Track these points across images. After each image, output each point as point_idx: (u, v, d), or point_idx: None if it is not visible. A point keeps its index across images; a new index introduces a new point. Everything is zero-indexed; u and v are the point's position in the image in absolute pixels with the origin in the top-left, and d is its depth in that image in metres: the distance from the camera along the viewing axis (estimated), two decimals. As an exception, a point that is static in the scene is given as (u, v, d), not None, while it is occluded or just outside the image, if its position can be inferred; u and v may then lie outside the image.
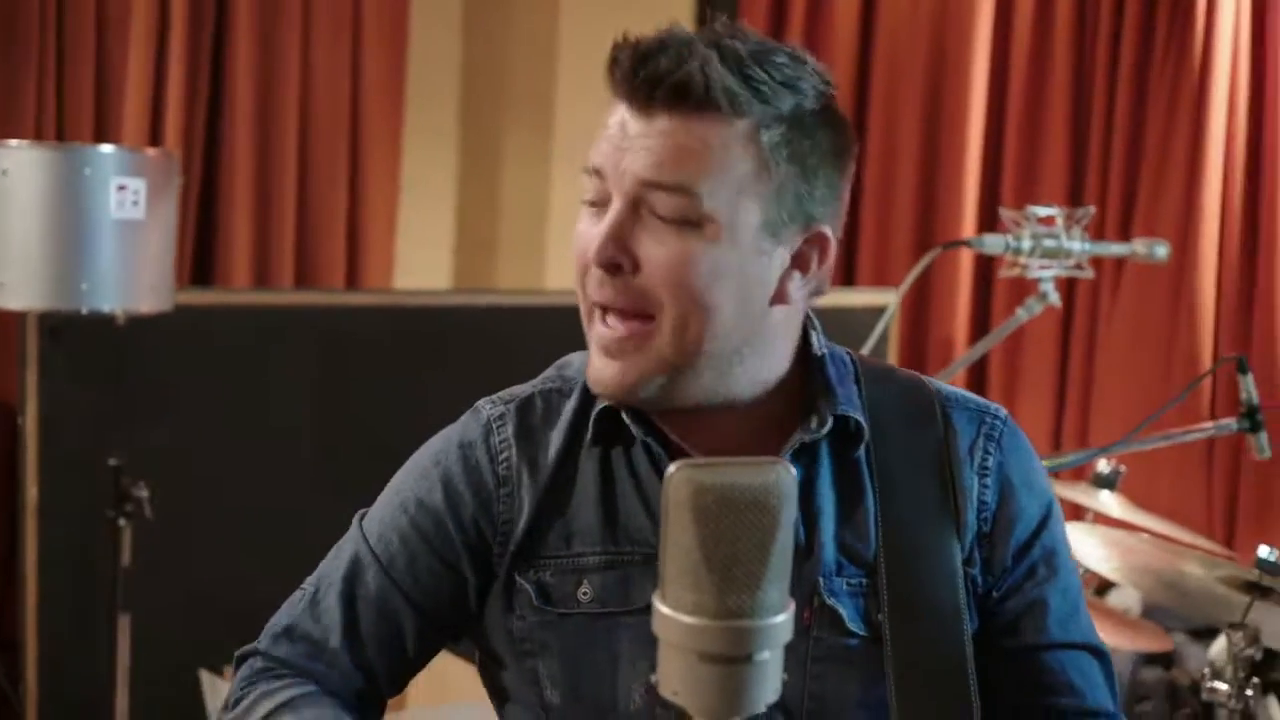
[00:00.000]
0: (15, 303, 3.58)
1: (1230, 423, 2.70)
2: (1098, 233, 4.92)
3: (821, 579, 1.65)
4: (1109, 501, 3.40)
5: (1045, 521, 1.73)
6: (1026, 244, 3.06)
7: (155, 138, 4.75)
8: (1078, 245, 3.08)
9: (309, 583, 1.78)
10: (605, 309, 1.61)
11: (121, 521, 3.72)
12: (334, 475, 4.17)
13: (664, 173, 1.56)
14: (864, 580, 1.67)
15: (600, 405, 1.69)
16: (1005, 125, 5.26)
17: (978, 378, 5.30)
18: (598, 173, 1.60)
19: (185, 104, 4.81)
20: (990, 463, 1.71)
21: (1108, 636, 3.22)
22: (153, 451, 3.89)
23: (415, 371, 4.46)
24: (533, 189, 5.61)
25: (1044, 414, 5.15)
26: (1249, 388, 2.70)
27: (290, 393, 4.35)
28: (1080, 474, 3.84)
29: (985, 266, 5.24)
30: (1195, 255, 4.77)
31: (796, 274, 1.64)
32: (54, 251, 3.53)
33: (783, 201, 1.61)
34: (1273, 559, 2.84)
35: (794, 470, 1.22)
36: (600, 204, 1.61)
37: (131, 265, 3.63)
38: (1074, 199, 5.05)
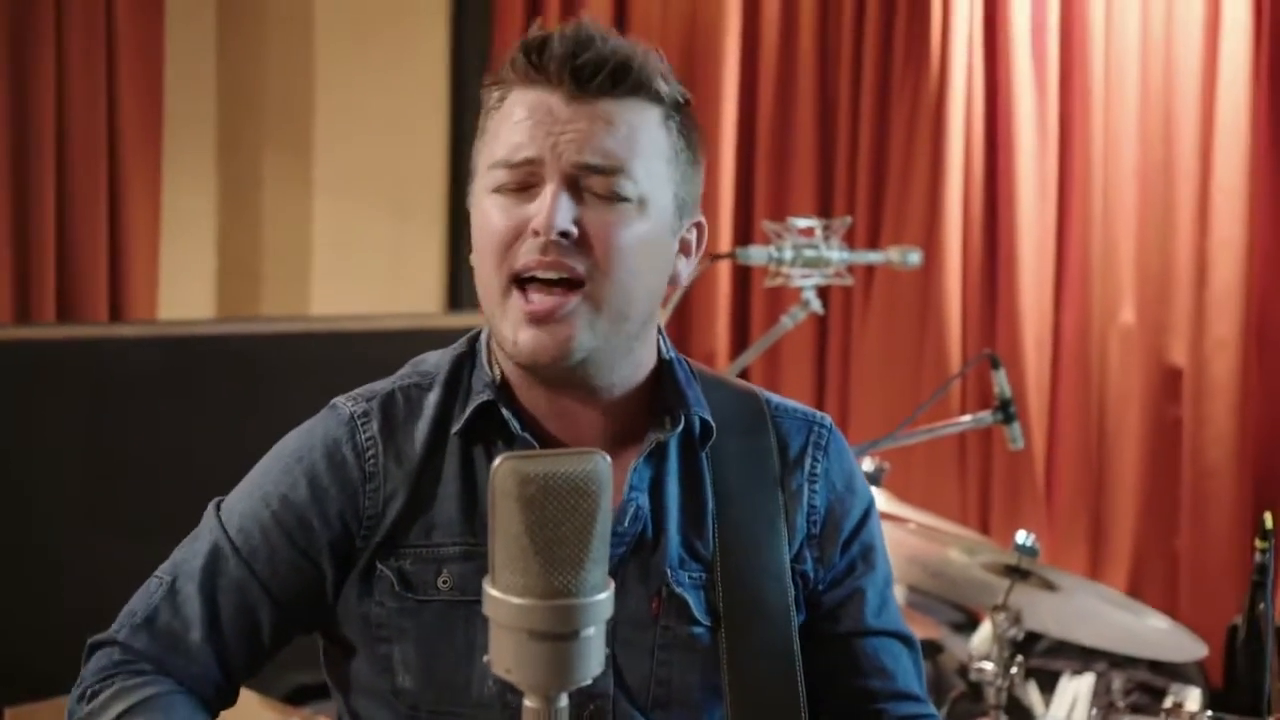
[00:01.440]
0: None
1: (986, 415, 2.85)
2: (850, 242, 5.10)
3: (668, 570, 1.75)
4: (876, 496, 3.54)
5: (865, 520, 1.87)
6: (789, 254, 3.19)
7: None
8: (836, 254, 3.22)
9: (164, 571, 1.80)
10: (526, 283, 1.67)
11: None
12: (103, 510, 4.12)
13: (601, 154, 1.66)
14: (704, 574, 1.77)
15: (477, 399, 1.75)
16: (756, 142, 5.42)
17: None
18: (527, 162, 1.66)
19: (-66, 138, 4.73)
20: (818, 469, 1.85)
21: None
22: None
23: (184, 402, 4.42)
24: (294, 215, 5.60)
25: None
26: (1001, 382, 2.86)
27: (55, 427, 4.29)
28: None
29: (742, 279, 5.40)
30: (940, 261, 4.99)
31: (683, 258, 1.78)
32: None
33: (682, 186, 1.75)
34: (1029, 544, 3.01)
35: (608, 458, 1.31)
36: (522, 189, 1.68)
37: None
38: (824, 211, 5.22)
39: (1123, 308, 4.88)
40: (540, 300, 1.67)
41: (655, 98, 1.71)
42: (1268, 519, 2.35)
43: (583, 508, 1.29)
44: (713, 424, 1.79)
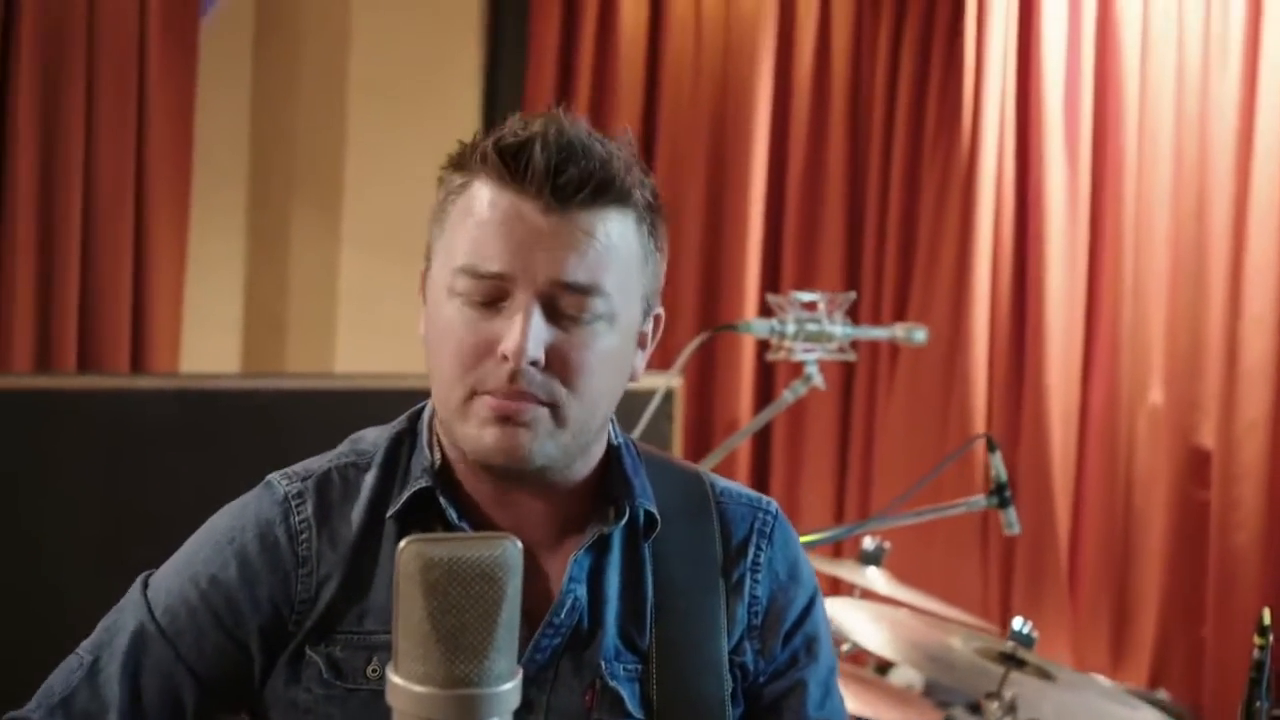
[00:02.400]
0: None
1: (980, 499, 2.80)
2: (873, 316, 5.08)
3: (603, 663, 1.70)
4: (875, 577, 3.50)
5: (809, 610, 1.81)
6: (791, 328, 3.16)
7: (-69, 220, 4.69)
8: (839, 329, 3.18)
9: (86, 649, 1.74)
10: (489, 392, 1.61)
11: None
12: (117, 561, 4.09)
13: (577, 274, 1.60)
14: (639, 667, 1.72)
15: (415, 485, 1.70)
16: (784, 214, 5.40)
17: (761, 458, 5.41)
18: (497, 276, 1.59)
19: (-37, 185, 4.76)
20: (762, 559, 1.79)
21: (877, 712, 3.33)
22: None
23: (203, 456, 4.41)
24: (322, 270, 5.61)
25: (826, 492, 5.27)
26: (997, 465, 2.81)
27: (71, 478, 4.29)
28: (842, 550, 3.95)
29: (766, 349, 5.36)
30: (967, 335, 4.94)
31: (640, 351, 1.73)
32: None
33: (649, 286, 1.70)
34: (1025, 631, 2.95)
35: (519, 544, 1.28)
36: (488, 303, 1.61)
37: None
38: (851, 284, 5.20)
39: (1151, 387, 4.82)
40: (505, 402, 1.61)
41: (633, 204, 1.66)
42: (1265, 615, 2.28)
43: (488, 595, 1.26)
44: (657, 516, 1.74)
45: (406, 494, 1.70)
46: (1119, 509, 4.87)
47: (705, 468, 3.33)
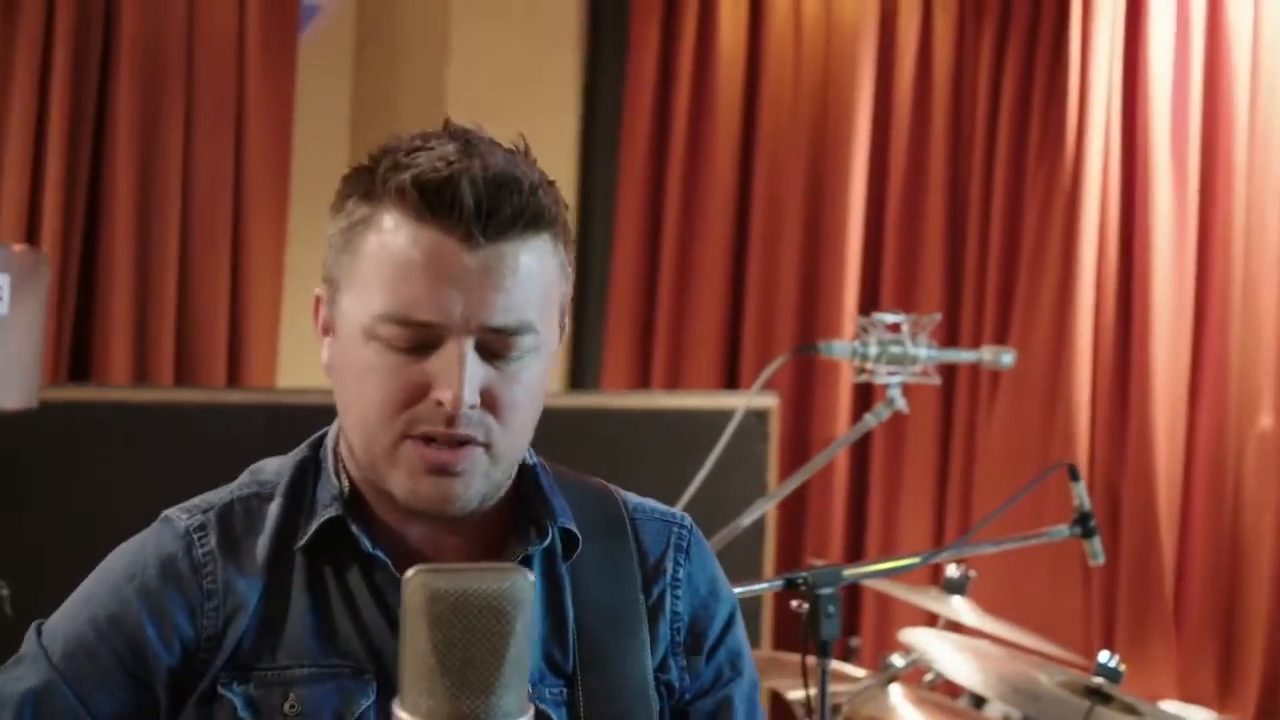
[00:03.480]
0: (-125, 396, 3.57)
1: (1062, 529, 2.72)
2: (974, 338, 4.99)
3: (530, 687, 1.62)
4: (960, 607, 3.42)
5: (730, 625, 1.78)
6: (873, 350, 3.10)
7: (32, 233, 4.73)
8: (923, 352, 3.12)
9: None
10: (422, 437, 1.57)
11: (-18, 619, 3.67)
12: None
13: (511, 314, 1.55)
14: (564, 690, 1.67)
15: (324, 514, 1.64)
16: (884, 231, 5.33)
17: (858, 481, 5.33)
18: (426, 324, 1.54)
19: (64, 199, 4.79)
20: (681, 574, 1.75)
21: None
22: (16, 549, 3.85)
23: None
24: (419, 287, 5.61)
25: (925, 517, 5.18)
26: (1080, 494, 2.73)
27: (163, 491, 4.29)
28: (925, 579, 3.87)
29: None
30: (1069, 360, 4.84)
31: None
32: (-85, 346, 3.52)
33: (564, 302, 1.65)
34: (1112, 665, 2.87)
35: (532, 577, 1.24)
36: (418, 348, 1.56)
37: (-6, 361, 3.61)
38: (951, 304, 5.12)
39: (1261, 410, 4.69)
40: (439, 454, 1.57)
41: (554, 226, 1.60)
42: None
43: (496, 629, 1.22)
44: (577, 534, 1.69)
45: (315, 523, 1.64)
46: (1226, 537, 4.74)
47: (787, 490, 3.32)
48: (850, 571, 2.41)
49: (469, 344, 1.54)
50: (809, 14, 5.46)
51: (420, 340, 1.55)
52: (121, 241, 4.90)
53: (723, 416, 3.45)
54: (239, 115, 5.16)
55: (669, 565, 1.75)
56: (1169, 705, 4.48)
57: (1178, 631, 4.78)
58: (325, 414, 5.16)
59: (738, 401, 3.52)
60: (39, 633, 1.67)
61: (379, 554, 1.62)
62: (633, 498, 1.80)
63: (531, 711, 1.24)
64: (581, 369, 5.78)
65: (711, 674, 1.75)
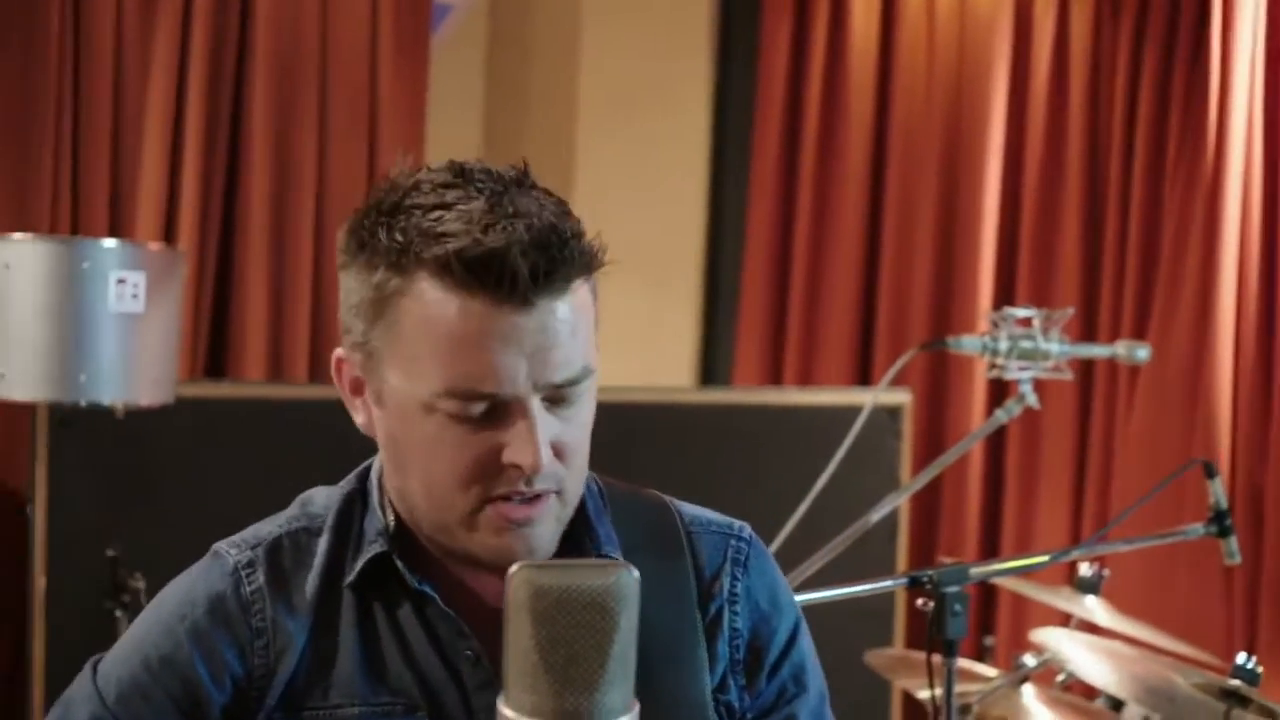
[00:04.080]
0: (16, 394, 3.65)
1: (1197, 527, 2.66)
2: (1112, 333, 4.91)
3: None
4: (1093, 606, 3.36)
5: (794, 639, 1.73)
6: (1004, 345, 3.05)
7: (170, 232, 4.81)
8: (1055, 347, 3.07)
9: None
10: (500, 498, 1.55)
11: (118, 612, 3.75)
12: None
13: (571, 367, 1.53)
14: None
15: (370, 550, 1.63)
16: (1019, 226, 5.25)
17: (994, 479, 5.27)
18: (491, 396, 1.51)
19: (200, 198, 4.87)
20: (739, 589, 1.70)
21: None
22: (152, 543, 3.91)
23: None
24: (552, 284, 5.63)
25: (1062, 515, 5.10)
26: (1217, 492, 2.67)
27: (296, 488, 4.34)
28: (1060, 579, 3.80)
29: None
30: (1211, 355, 4.73)
31: None
32: (53, 344, 3.59)
33: (595, 324, 1.61)
34: (1250, 666, 2.80)
35: (637, 574, 1.22)
36: (486, 416, 1.53)
37: (131, 358, 3.67)
38: (1088, 298, 5.03)
39: None
40: (520, 510, 1.55)
41: (592, 264, 1.57)
42: None
43: (600, 625, 1.21)
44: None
45: (362, 560, 1.63)
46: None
47: (916, 486, 3.28)
48: (977, 570, 2.37)
49: (536, 405, 1.52)
50: (942, 7, 5.40)
51: (486, 410, 1.52)
52: (257, 239, 4.97)
53: (854, 413, 3.44)
54: (372, 114, 5.20)
55: (726, 581, 1.70)
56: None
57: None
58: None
59: (860, 398, 3.48)
60: (94, 672, 1.67)
61: (426, 589, 1.61)
62: (689, 510, 1.75)
63: (636, 709, 1.23)
64: (713, 365, 5.77)
65: (775, 691, 1.70)
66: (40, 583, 4.03)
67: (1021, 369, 3.07)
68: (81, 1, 4.67)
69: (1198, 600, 4.72)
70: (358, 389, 1.62)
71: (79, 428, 3.90)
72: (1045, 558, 2.56)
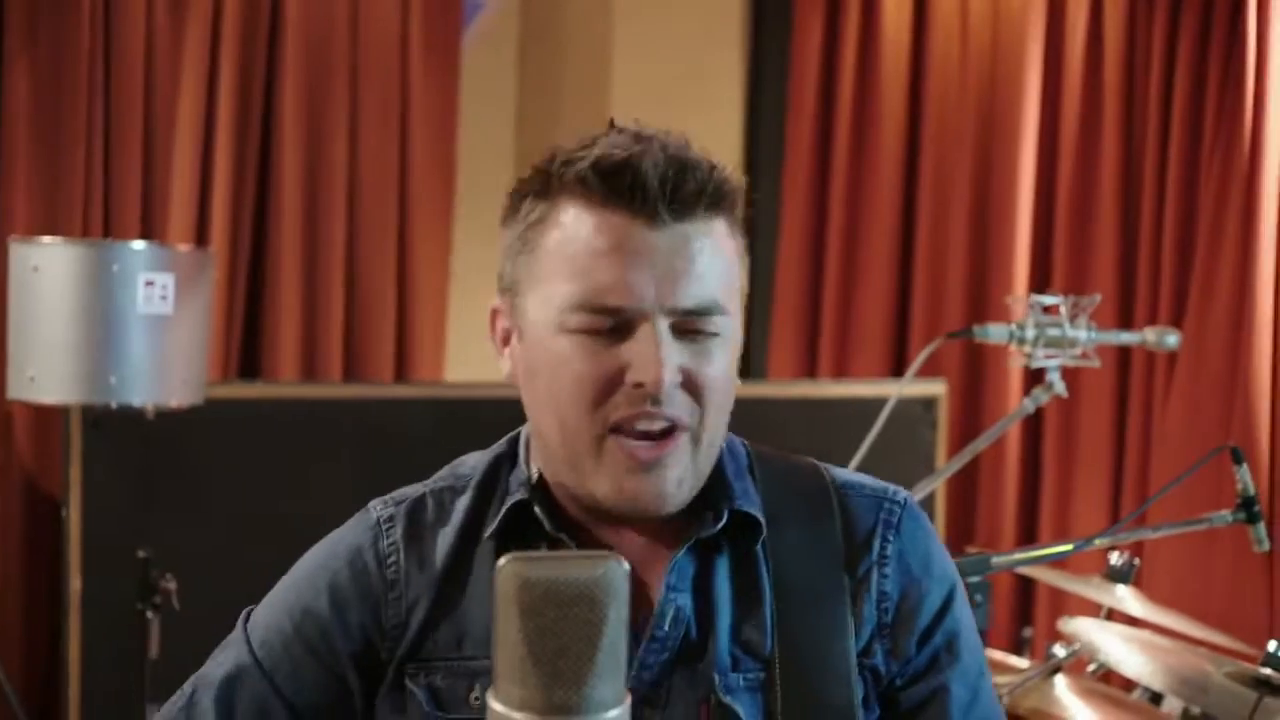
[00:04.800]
0: (46, 396, 3.69)
1: (1225, 514, 2.63)
2: (1149, 320, 4.86)
3: (717, 675, 1.62)
4: (1125, 596, 3.33)
5: (948, 606, 1.70)
6: (1030, 333, 3.03)
7: (202, 233, 4.82)
8: (1083, 334, 3.04)
9: (190, 682, 1.73)
10: (627, 431, 1.56)
11: (149, 614, 3.76)
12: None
13: (702, 293, 1.55)
14: (762, 675, 1.63)
15: (513, 499, 1.65)
16: (1055, 214, 5.21)
17: (1031, 467, 5.24)
18: (618, 310, 1.54)
19: (232, 198, 4.88)
20: (890, 550, 1.68)
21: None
22: (184, 544, 3.93)
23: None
24: (587, 279, 5.63)
25: (1100, 503, 5.06)
26: (1244, 478, 2.64)
27: (330, 488, 4.35)
28: (1086, 566, 3.77)
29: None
30: (1249, 342, 4.68)
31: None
32: (83, 346, 3.62)
33: (744, 286, 1.65)
34: (1281, 654, 2.77)
35: (626, 565, 1.21)
36: (612, 332, 1.55)
37: (160, 359, 3.70)
38: (1125, 286, 4.99)
39: None
40: (646, 448, 1.56)
41: (735, 208, 1.60)
42: None
43: (589, 617, 1.19)
44: (761, 519, 1.65)
45: (504, 509, 1.65)
46: None
47: (944, 475, 3.26)
48: (999, 560, 2.35)
49: (663, 326, 1.54)
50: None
51: (614, 325, 1.55)
52: (289, 240, 4.98)
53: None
54: (404, 112, 5.21)
55: (876, 543, 1.68)
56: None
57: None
58: (494, 407, 5.18)
59: (887, 389, 3.46)
60: (246, 619, 1.74)
61: (562, 536, 1.62)
62: (842, 474, 1.75)
63: (628, 702, 1.21)
64: (747, 357, 5.70)
65: (926, 658, 1.68)
66: (75, 584, 4.06)
67: (1049, 357, 3.04)
68: (112, 2, 4.69)
69: (1236, 589, 4.67)
70: (507, 339, 1.66)
71: (110, 430, 3.92)
72: (1069, 546, 2.53)
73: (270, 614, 1.71)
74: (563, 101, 5.74)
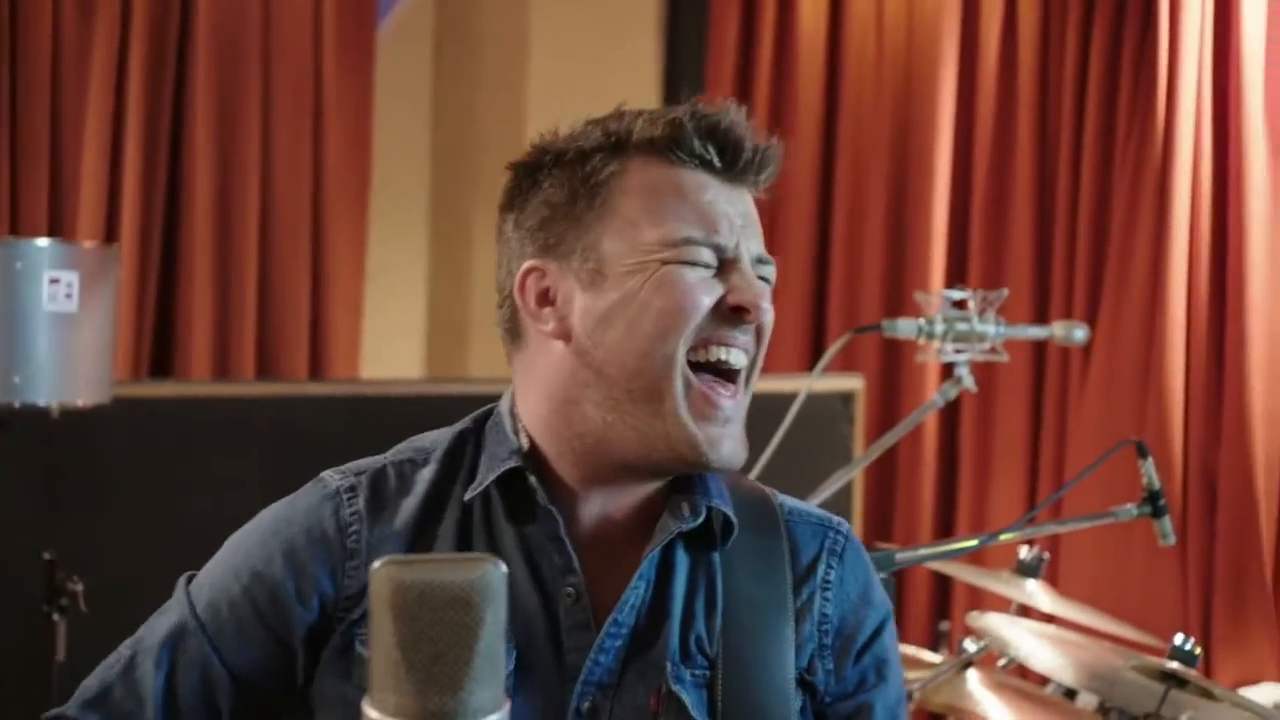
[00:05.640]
0: (-52, 395, 3.61)
1: (1130, 508, 2.64)
2: (1064, 315, 4.88)
3: (669, 664, 1.65)
4: (1034, 590, 3.33)
5: (879, 632, 1.76)
6: (939, 328, 3.03)
7: (111, 228, 4.76)
8: (991, 329, 3.04)
9: (126, 645, 1.72)
10: (708, 369, 1.63)
11: (56, 616, 3.69)
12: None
13: (764, 246, 1.68)
14: (707, 672, 1.66)
15: (504, 468, 1.66)
16: (970, 209, 5.23)
17: (948, 463, 5.25)
18: (722, 247, 1.63)
19: (143, 195, 4.82)
20: (833, 577, 1.74)
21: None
22: (91, 545, 3.86)
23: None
24: (505, 275, 5.61)
25: (1016, 497, 5.08)
26: (1149, 472, 2.65)
27: (242, 487, 4.30)
28: (999, 561, 3.77)
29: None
30: (1162, 336, 4.71)
31: None
32: (-13, 345, 3.55)
33: None
34: (1187, 648, 2.78)
35: (504, 568, 1.19)
36: (713, 268, 1.64)
37: (66, 358, 3.64)
38: (1040, 282, 5.02)
39: (1362, 388, 4.55)
40: (721, 393, 1.64)
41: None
42: None
43: (464, 622, 1.17)
44: (734, 520, 1.70)
45: (493, 475, 1.66)
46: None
47: (852, 472, 3.25)
48: (904, 555, 2.35)
49: (750, 267, 1.65)
50: (890, -9, 5.39)
51: (714, 262, 1.63)
52: (201, 237, 4.92)
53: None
54: (317, 107, 5.17)
55: (821, 568, 1.74)
56: (1269, 688, 4.37)
57: (1278, 612, 4.65)
58: (409, 405, 5.14)
59: (796, 384, 3.44)
60: (188, 580, 1.73)
61: (552, 509, 1.64)
62: (789, 501, 1.80)
63: (507, 707, 1.19)
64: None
65: (855, 678, 1.73)
66: (-22, 589, 3.99)
67: (957, 351, 3.04)
68: (18, -2, 4.63)
69: (1152, 582, 4.70)
70: (544, 299, 1.67)
71: (14, 429, 3.85)
72: (974, 541, 2.53)
73: (215, 577, 1.70)
74: (479, 96, 5.71)
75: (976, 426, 5.16)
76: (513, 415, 1.71)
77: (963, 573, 3.55)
